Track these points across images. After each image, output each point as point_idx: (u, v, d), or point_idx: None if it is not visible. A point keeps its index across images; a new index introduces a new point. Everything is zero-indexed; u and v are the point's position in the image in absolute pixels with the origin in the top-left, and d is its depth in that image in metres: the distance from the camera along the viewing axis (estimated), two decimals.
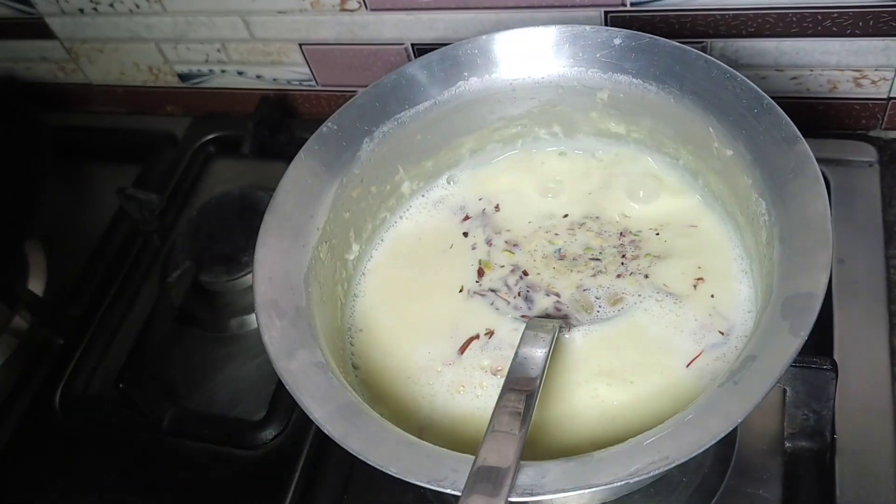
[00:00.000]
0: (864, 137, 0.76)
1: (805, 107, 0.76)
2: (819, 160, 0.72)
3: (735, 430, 0.59)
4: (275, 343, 0.47)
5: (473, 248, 0.61)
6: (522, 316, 0.56)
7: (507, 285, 0.58)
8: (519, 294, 0.57)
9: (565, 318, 0.55)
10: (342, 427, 0.43)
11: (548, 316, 0.55)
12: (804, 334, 0.41)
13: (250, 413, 0.71)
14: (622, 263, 0.57)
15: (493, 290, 0.58)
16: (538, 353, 0.50)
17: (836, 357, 0.62)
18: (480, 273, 0.59)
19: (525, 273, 0.58)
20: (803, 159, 0.47)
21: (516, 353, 0.50)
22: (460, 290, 0.58)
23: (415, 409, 0.53)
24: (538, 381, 0.48)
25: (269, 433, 0.68)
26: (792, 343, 0.40)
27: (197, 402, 0.73)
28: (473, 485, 0.40)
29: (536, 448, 0.49)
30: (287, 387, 0.45)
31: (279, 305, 0.49)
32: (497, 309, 0.57)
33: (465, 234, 0.62)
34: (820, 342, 0.63)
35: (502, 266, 0.59)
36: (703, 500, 0.59)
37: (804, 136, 0.76)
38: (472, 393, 0.54)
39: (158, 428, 0.70)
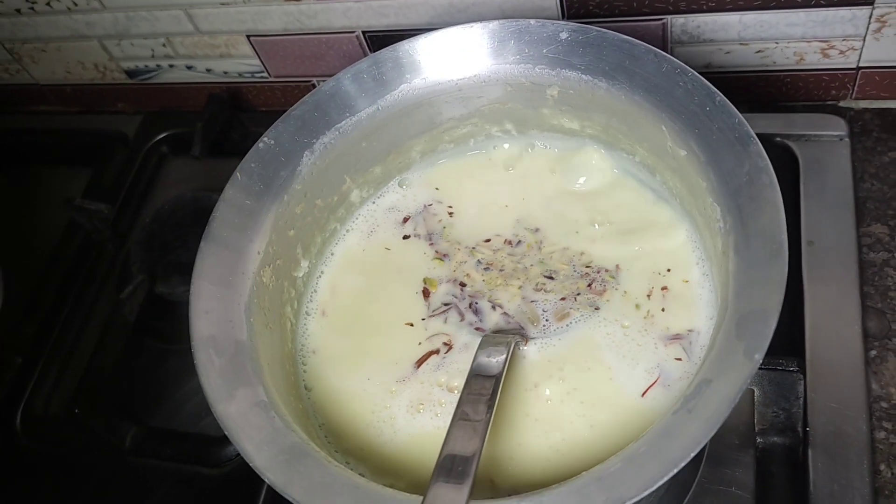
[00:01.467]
0: (834, 109, 0.74)
1: (772, 79, 0.73)
2: (787, 136, 0.71)
3: None
4: (213, 384, 0.45)
5: (423, 257, 0.59)
6: (476, 328, 0.54)
7: (455, 296, 0.56)
8: (469, 307, 0.55)
9: (521, 332, 0.53)
10: (284, 474, 0.41)
11: (502, 331, 0.53)
12: (758, 357, 0.39)
13: (216, 428, 0.67)
14: (574, 276, 0.55)
15: (445, 304, 0.56)
16: (494, 360, 0.49)
17: (807, 345, 0.60)
18: (426, 294, 0.57)
19: (462, 284, 0.56)
20: (757, 162, 0.44)
21: (474, 360, 0.50)
22: (414, 305, 0.56)
23: (375, 434, 0.52)
24: (501, 371, 0.48)
25: (234, 449, 0.66)
26: (745, 366, 0.39)
27: (159, 418, 0.71)
28: (440, 473, 0.41)
29: (486, 484, 0.47)
30: (226, 432, 0.43)
31: (218, 341, 0.47)
32: (451, 323, 0.55)
33: (409, 240, 0.60)
34: (790, 328, 0.61)
35: (450, 280, 0.57)
36: (676, 498, 0.58)
37: (772, 109, 0.74)
38: (430, 412, 0.52)
39: (120, 449, 0.69)
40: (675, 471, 0.37)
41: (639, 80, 0.50)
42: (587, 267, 0.56)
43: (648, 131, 0.51)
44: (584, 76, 0.52)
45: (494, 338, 0.52)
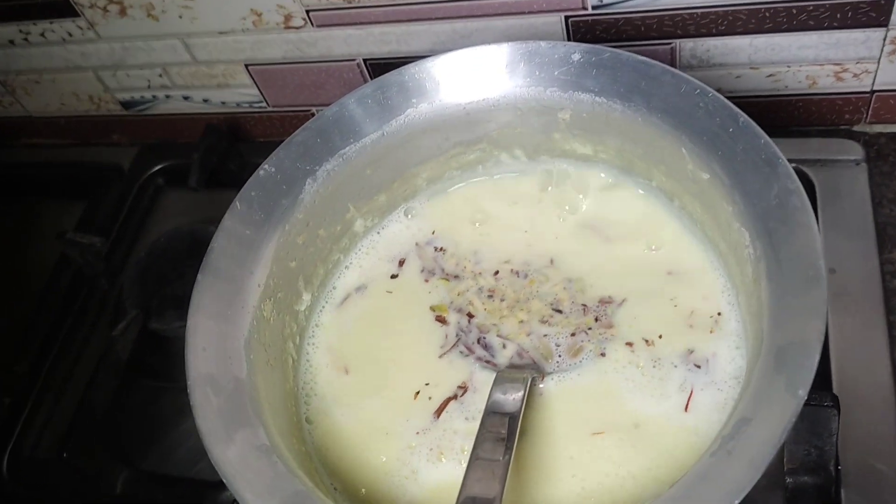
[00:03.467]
0: (848, 134, 0.72)
1: (784, 104, 0.72)
2: (802, 161, 0.69)
3: None
4: (210, 426, 0.42)
5: (426, 286, 0.56)
6: (487, 362, 0.51)
7: (462, 330, 0.53)
8: (478, 342, 0.53)
9: (536, 367, 0.50)
10: None
11: (517, 367, 0.50)
12: (802, 393, 0.36)
13: (211, 472, 0.64)
14: (583, 313, 0.53)
15: (455, 338, 0.53)
16: (511, 397, 0.46)
17: (834, 379, 0.58)
18: (441, 320, 0.54)
19: (470, 315, 0.54)
20: (787, 184, 0.42)
21: (489, 398, 0.47)
22: (424, 337, 0.53)
23: (391, 483, 0.49)
24: (519, 408, 0.45)
25: (232, 495, 0.63)
26: (790, 403, 0.36)
27: (152, 461, 0.68)
28: None
29: None
30: (224, 479, 0.40)
31: (215, 380, 0.44)
32: (460, 361, 0.52)
33: (414, 272, 0.57)
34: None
35: (456, 309, 0.55)
36: None
37: (785, 134, 0.73)
38: (454, 460, 0.49)
39: (111, 494, 0.65)
40: None
41: (656, 102, 0.48)
42: (599, 302, 0.53)
43: (667, 155, 0.49)
44: (597, 98, 0.50)
45: (510, 373, 0.49)
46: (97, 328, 0.77)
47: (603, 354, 0.50)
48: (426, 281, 0.57)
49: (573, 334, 0.52)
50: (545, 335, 0.52)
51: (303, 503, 0.39)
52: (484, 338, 0.53)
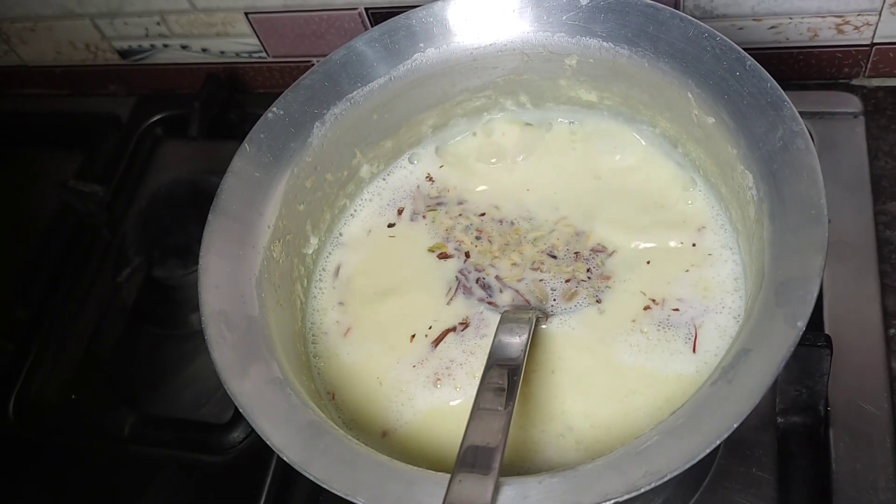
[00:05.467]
0: (846, 87, 0.73)
1: (785, 57, 0.72)
2: (801, 113, 0.69)
3: None
4: (226, 360, 0.43)
5: (436, 237, 0.57)
6: (490, 303, 0.53)
7: (462, 273, 0.54)
8: (477, 282, 0.54)
9: (542, 308, 0.51)
10: (304, 452, 0.39)
11: (520, 307, 0.51)
12: (801, 325, 0.37)
13: (216, 415, 0.67)
14: (575, 259, 0.54)
15: (457, 282, 0.54)
16: (516, 340, 0.47)
17: (826, 324, 0.60)
18: (443, 256, 0.55)
19: (467, 254, 0.55)
20: (792, 126, 0.43)
21: (493, 342, 0.48)
22: (427, 282, 0.54)
23: (393, 414, 0.50)
24: (521, 357, 0.46)
25: (237, 436, 0.65)
26: (788, 334, 0.37)
27: (159, 405, 0.69)
28: (462, 467, 0.39)
29: (525, 463, 0.46)
30: (241, 410, 0.41)
31: (229, 317, 0.45)
32: (463, 299, 0.53)
33: (424, 220, 0.58)
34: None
35: (454, 249, 0.56)
36: (694, 482, 0.57)
37: (784, 87, 0.73)
38: (450, 386, 0.50)
39: (119, 436, 0.67)
40: (719, 442, 0.36)
41: (663, 47, 0.48)
42: (592, 251, 0.54)
43: (672, 100, 0.50)
44: (605, 44, 0.51)
45: (515, 314, 0.50)
46: (100, 276, 0.78)
47: (598, 301, 0.51)
48: (423, 222, 0.58)
49: (567, 280, 0.53)
50: (541, 280, 0.53)
51: (317, 431, 0.41)
52: (483, 278, 0.54)
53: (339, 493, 0.38)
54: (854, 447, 0.55)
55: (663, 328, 0.50)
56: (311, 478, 0.38)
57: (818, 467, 0.55)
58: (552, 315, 0.51)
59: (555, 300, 0.52)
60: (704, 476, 0.57)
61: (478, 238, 0.56)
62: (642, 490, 0.35)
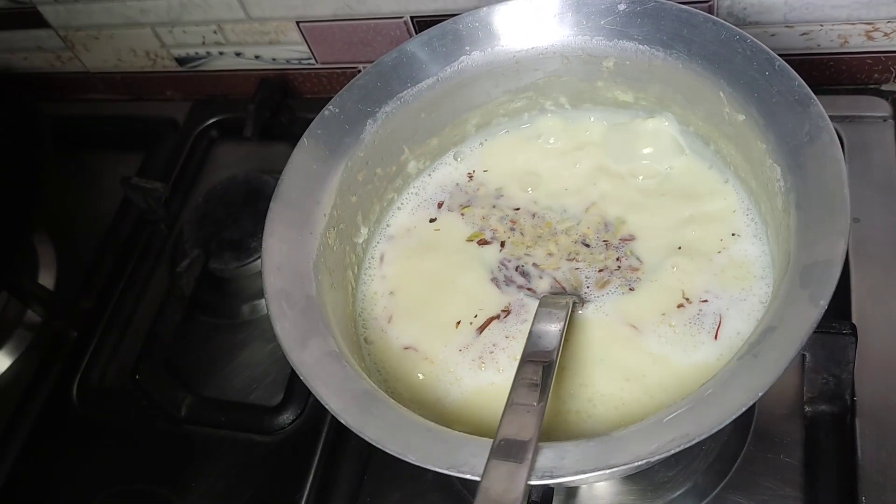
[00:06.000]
0: (876, 92, 0.74)
1: (816, 63, 0.74)
2: (831, 117, 0.70)
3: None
4: (287, 334, 0.47)
5: (474, 227, 0.60)
6: (529, 290, 0.56)
7: (503, 263, 0.57)
8: (517, 269, 0.57)
9: (578, 294, 0.54)
10: (359, 416, 0.43)
11: (562, 291, 0.54)
12: (823, 303, 0.40)
13: (267, 398, 0.71)
14: (606, 248, 0.57)
15: (499, 270, 0.57)
16: (552, 328, 0.50)
17: (854, 318, 0.61)
18: (483, 242, 0.59)
19: (502, 244, 0.58)
20: (818, 122, 0.46)
21: (531, 331, 0.50)
22: (469, 272, 0.58)
23: (440, 393, 0.53)
24: (555, 353, 0.48)
25: (286, 418, 0.69)
26: (811, 312, 0.40)
27: (213, 389, 0.73)
28: (496, 456, 0.41)
29: (557, 434, 0.48)
30: (302, 378, 0.45)
31: (290, 295, 0.49)
32: (508, 287, 0.56)
33: (462, 215, 0.61)
34: (837, 303, 0.62)
35: (494, 240, 0.59)
36: (723, 468, 0.59)
37: (815, 92, 0.75)
38: (493, 368, 0.53)
39: (176, 417, 0.71)
40: (744, 409, 0.38)
41: (696, 49, 0.51)
42: (622, 240, 0.57)
43: (705, 99, 0.53)
44: (641, 46, 0.54)
45: (553, 298, 0.53)
46: (158, 268, 0.82)
47: (632, 289, 0.54)
48: (462, 216, 0.61)
49: (600, 270, 0.55)
50: (576, 269, 0.56)
51: (371, 398, 0.44)
52: (522, 266, 0.57)
53: (391, 453, 0.41)
54: (880, 436, 0.56)
55: (691, 323, 0.52)
56: (367, 438, 0.42)
57: (844, 455, 0.57)
58: (588, 301, 0.54)
59: (588, 287, 0.55)
60: (734, 461, 0.59)
61: (512, 229, 0.59)
62: (671, 452, 0.38)
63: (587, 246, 0.57)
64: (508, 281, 0.57)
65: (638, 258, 0.55)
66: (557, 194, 0.60)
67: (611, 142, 0.61)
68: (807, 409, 0.59)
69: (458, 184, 0.63)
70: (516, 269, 0.57)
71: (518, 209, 0.60)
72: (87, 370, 0.77)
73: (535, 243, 0.58)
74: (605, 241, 0.57)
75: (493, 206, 0.61)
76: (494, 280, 0.57)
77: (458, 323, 0.56)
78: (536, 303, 0.54)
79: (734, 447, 0.59)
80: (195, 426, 0.71)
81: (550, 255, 0.57)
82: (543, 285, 0.56)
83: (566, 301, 0.52)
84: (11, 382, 0.79)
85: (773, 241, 0.50)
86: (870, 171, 0.69)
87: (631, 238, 0.56)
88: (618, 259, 0.56)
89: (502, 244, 0.58)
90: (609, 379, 0.51)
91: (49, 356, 0.79)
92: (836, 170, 0.43)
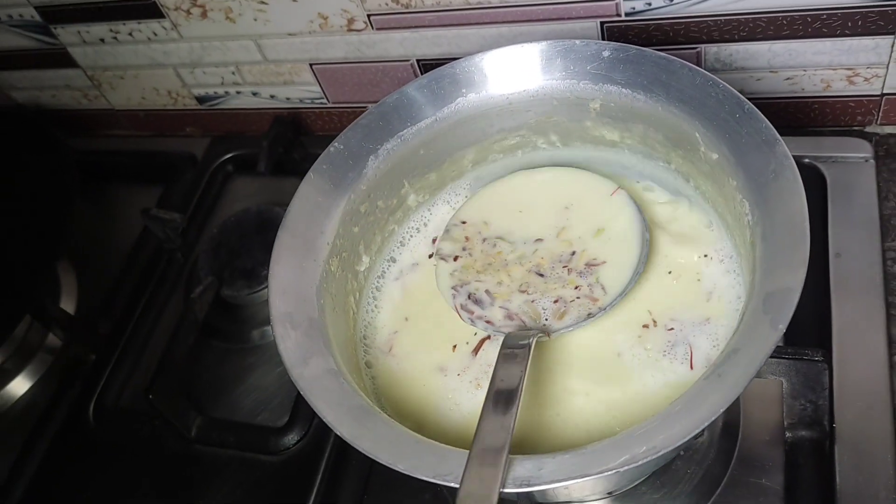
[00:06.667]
0: (860, 133, 0.77)
1: (801, 105, 0.77)
2: (816, 158, 0.76)
3: (738, 422, 0.62)
4: (290, 352, 0.50)
5: (455, 261, 0.63)
6: (487, 322, 0.58)
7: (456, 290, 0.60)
8: (469, 297, 0.60)
9: (544, 328, 0.57)
10: (353, 428, 0.46)
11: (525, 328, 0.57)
12: (782, 327, 0.43)
13: (273, 420, 0.74)
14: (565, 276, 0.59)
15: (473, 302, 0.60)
16: (514, 370, 0.50)
17: (834, 349, 0.64)
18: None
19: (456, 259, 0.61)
20: (783, 160, 0.49)
21: (493, 374, 0.51)
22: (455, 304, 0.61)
23: (442, 414, 0.56)
24: (517, 393, 0.48)
25: (291, 438, 0.72)
26: (771, 335, 0.43)
27: (222, 411, 0.76)
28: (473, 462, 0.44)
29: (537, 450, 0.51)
30: (301, 392, 0.48)
31: (293, 317, 0.52)
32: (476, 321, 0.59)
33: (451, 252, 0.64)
34: (819, 335, 0.65)
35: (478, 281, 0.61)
36: (707, 491, 0.61)
37: (801, 134, 0.79)
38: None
39: (187, 437, 0.74)
40: (707, 423, 0.41)
41: (674, 92, 0.55)
42: (587, 265, 0.59)
43: (683, 138, 0.56)
44: (624, 90, 0.58)
45: (516, 336, 0.54)
46: (174, 294, 0.86)
47: (590, 314, 0.56)
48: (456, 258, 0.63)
49: (556, 301, 0.57)
50: (532, 301, 0.58)
51: (366, 413, 0.47)
52: (473, 294, 0.60)
53: (383, 463, 0.44)
54: (858, 462, 0.58)
55: (662, 349, 0.55)
56: (360, 449, 0.45)
57: (824, 480, 0.59)
58: (556, 331, 0.57)
59: (546, 320, 0.57)
60: (718, 485, 0.61)
61: (464, 249, 0.62)
62: (640, 463, 0.41)
63: (541, 276, 0.59)
64: (467, 313, 0.59)
65: (602, 284, 0.58)
66: (520, 220, 0.63)
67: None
68: (787, 434, 0.61)
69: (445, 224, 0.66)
70: (468, 296, 0.59)
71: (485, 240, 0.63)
72: (104, 391, 0.80)
73: (484, 270, 0.60)
74: (565, 267, 0.59)
75: (466, 238, 0.63)
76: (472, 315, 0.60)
77: (455, 347, 0.59)
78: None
79: (718, 471, 0.62)
80: (205, 446, 0.74)
81: (501, 284, 0.59)
82: (498, 315, 0.58)
83: (528, 342, 0.53)
84: (31, 403, 0.82)
85: (747, 272, 0.53)
86: (852, 210, 0.72)
87: (598, 263, 0.59)
88: (577, 287, 0.58)
89: (455, 258, 0.61)
90: (584, 400, 0.53)
91: (68, 378, 0.83)
92: (797, 204, 0.47)
